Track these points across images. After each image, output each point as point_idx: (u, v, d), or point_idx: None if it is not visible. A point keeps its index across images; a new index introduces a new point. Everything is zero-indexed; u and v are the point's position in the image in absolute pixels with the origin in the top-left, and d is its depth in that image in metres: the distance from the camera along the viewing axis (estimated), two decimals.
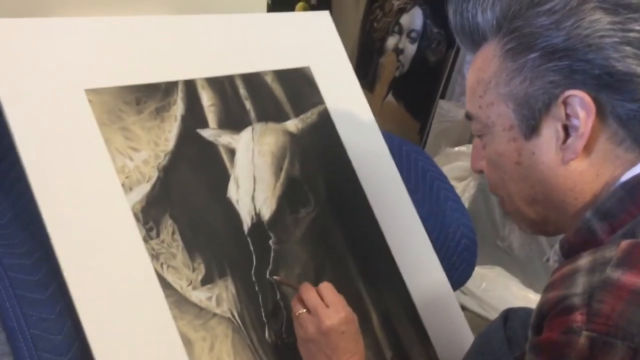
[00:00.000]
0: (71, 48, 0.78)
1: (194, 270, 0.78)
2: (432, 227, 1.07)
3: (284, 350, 0.81)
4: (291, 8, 2.43)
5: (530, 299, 1.64)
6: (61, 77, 0.75)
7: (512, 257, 1.76)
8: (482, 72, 0.65)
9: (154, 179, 0.78)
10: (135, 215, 0.75)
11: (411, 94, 2.35)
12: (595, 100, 0.57)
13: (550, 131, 0.60)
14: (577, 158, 0.59)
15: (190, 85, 0.87)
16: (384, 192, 1.02)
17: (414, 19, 2.30)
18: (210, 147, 0.86)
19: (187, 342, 0.74)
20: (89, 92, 0.77)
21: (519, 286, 1.71)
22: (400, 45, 2.35)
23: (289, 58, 1.01)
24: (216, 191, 0.84)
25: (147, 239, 0.75)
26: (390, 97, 2.41)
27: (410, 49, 2.32)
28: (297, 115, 0.97)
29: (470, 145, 1.64)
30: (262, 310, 0.82)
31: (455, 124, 2.11)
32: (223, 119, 0.88)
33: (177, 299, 0.75)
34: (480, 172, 0.71)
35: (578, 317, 0.48)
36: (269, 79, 0.97)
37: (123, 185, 0.75)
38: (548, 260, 0.66)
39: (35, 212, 0.69)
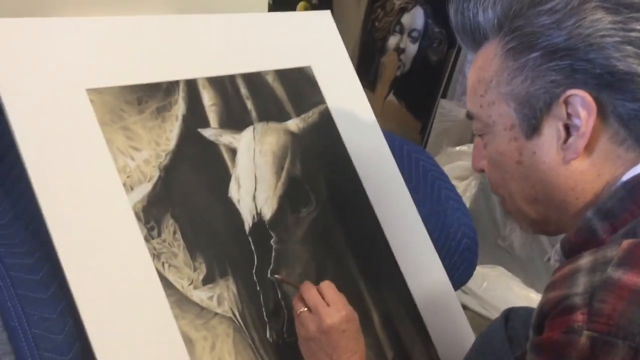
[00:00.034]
0: (72, 48, 0.78)
1: (195, 269, 0.78)
2: (434, 227, 1.07)
3: (285, 349, 0.82)
4: (292, 8, 2.43)
5: (532, 298, 1.64)
6: (62, 77, 0.76)
7: (513, 256, 1.76)
8: (483, 71, 0.65)
9: (155, 179, 0.79)
10: (137, 214, 0.75)
11: (412, 93, 2.34)
12: (597, 99, 0.57)
13: (551, 131, 0.60)
14: (578, 158, 0.59)
15: (191, 85, 0.87)
16: (385, 192, 1.02)
17: (415, 18, 2.30)
18: (212, 147, 0.86)
19: (189, 342, 0.74)
20: (91, 91, 0.77)
21: (520, 286, 1.71)
22: (402, 45, 2.35)
23: (290, 57, 1.01)
24: (217, 191, 0.84)
25: (148, 238, 0.75)
26: (391, 97, 2.41)
27: (412, 48, 2.32)
28: (298, 114, 0.97)
29: (472, 145, 1.63)
30: (263, 309, 0.82)
31: (456, 124, 2.11)
32: (224, 119, 0.88)
33: (178, 299, 0.75)
34: (481, 171, 0.71)
35: (579, 317, 0.48)
36: (270, 79, 0.97)
37: (124, 184, 0.75)
38: (549, 259, 0.65)
39: (37, 212, 0.69)
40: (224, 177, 0.85)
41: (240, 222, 0.84)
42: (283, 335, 0.82)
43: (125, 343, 0.69)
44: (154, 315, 0.72)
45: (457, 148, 1.96)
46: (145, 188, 0.77)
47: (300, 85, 1.00)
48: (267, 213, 0.87)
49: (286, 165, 0.92)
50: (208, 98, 0.88)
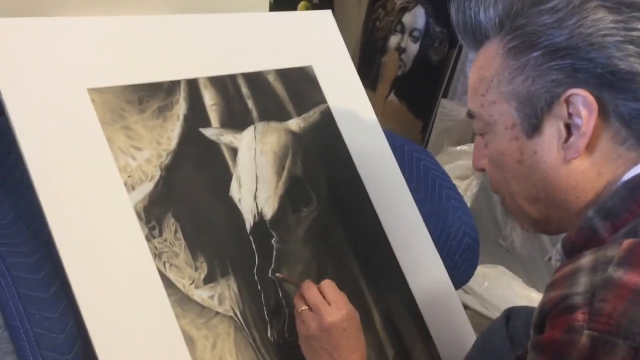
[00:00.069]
0: (73, 47, 0.78)
1: (196, 269, 0.78)
2: (435, 226, 1.07)
3: (286, 348, 0.82)
4: (293, 7, 2.42)
5: (533, 297, 1.64)
6: (63, 76, 0.76)
7: (514, 255, 1.76)
8: (484, 70, 0.65)
9: (156, 178, 0.79)
10: (138, 214, 0.75)
11: (413, 93, 2.34)
12: (598, 99, 0.57)
13: (552, 130, 0.60)
14: (579, 157, 0.59)
15: (192, 85, 0.87)
16: (386, 191, 1.02)
17: (417, 17, 2.30)
18: (213, 146, 0.86)
19: (190, 341, 0.74)
20: (92, 91, 0.77)
21: (521, 285, 1.71)
22: (403, 44, 2.35)
23: (291, 57, 1.01)
24: (218, 190, 0.84)
25: (149, 237, 0.75)
26: (392, 96, 2.41)
27: (413, 47, 2.32)
28: (299, 114, 0.97)
29: (473, 144, 1.63)
30: (264, 308, 0.82)
31: (457, 123, 2.11)
32: (225, 118, 0.89)
33: (179, 298, 0.75)
34: (482, 170, 0.71)
35: (580, 316, 0.48)
36: (271, 78, 0.97)
37: (125, 184, 0.75)
38: (550, 259, 0.65)
39: (38, 211, 0.69)
40: (225, 176, 0.85)
41: (242, 221, 0.84)
42: (284, 334, 0.82)
43: (127, 342, 0.69)
44: (155, 314, 0.72)
45: (458, 147, 1.97)
46: (147, 187, 0.77)
47: (301, 85, 1.00)
48: (268, 212, 0.87)
49: (287, 165, 0.92)
50: (209, 98, 0.88)
